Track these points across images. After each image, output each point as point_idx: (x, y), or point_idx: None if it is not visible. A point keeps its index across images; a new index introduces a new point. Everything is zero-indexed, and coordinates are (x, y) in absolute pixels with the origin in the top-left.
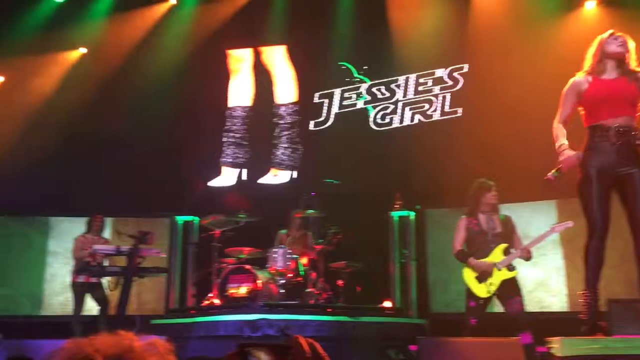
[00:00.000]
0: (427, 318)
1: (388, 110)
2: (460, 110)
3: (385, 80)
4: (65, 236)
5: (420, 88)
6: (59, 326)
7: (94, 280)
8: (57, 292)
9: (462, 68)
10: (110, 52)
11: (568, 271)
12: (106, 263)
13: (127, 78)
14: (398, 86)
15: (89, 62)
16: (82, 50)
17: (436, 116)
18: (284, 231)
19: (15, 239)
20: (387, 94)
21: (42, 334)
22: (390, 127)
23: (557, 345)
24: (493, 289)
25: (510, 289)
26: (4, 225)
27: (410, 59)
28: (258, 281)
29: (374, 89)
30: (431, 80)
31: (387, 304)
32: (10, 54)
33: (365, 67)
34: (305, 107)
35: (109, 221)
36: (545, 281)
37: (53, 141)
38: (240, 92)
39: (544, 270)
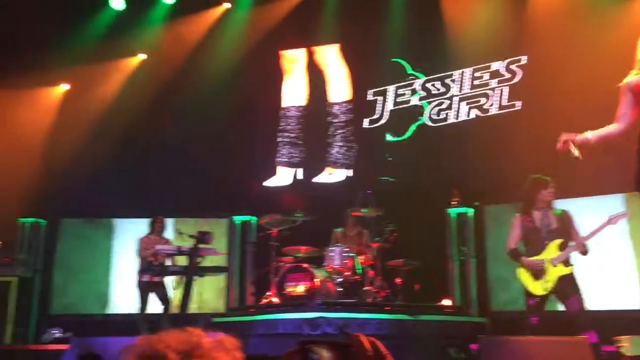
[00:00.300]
0: (487, 316)
1: (443, 106)
2: (519, 103)
3: (439, 75)
4: (128, 237)
5: (476, 82)
6: (126, 324)
7: (157, 279)
8: (123, 291)
9: (519, 60)
10: (168, 56)
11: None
12: (169, 262)
13: (185, 81)
14: (453, 81)
15: (148, 67)
16: (142, 56)
17: (493, 110)
18: (340, 230)
19: (83, 240)
20: (442, 89)
21: (109, 332)
22: (446, 122)
23: (627, 344)
24: (549, 285)
25: (567, 287)
26: (73, 228)
27: (465, 52)
28: (315, 279)
29: (428, 85)
30: (488, 74)
31: (446, 302)
32: (75, 62)
33: (425, 64)
34: (359, 105)
35: (169, 222)
36: (614, 278)
37: (115, 146)
38: (294, 92)
39: (612, 266)
